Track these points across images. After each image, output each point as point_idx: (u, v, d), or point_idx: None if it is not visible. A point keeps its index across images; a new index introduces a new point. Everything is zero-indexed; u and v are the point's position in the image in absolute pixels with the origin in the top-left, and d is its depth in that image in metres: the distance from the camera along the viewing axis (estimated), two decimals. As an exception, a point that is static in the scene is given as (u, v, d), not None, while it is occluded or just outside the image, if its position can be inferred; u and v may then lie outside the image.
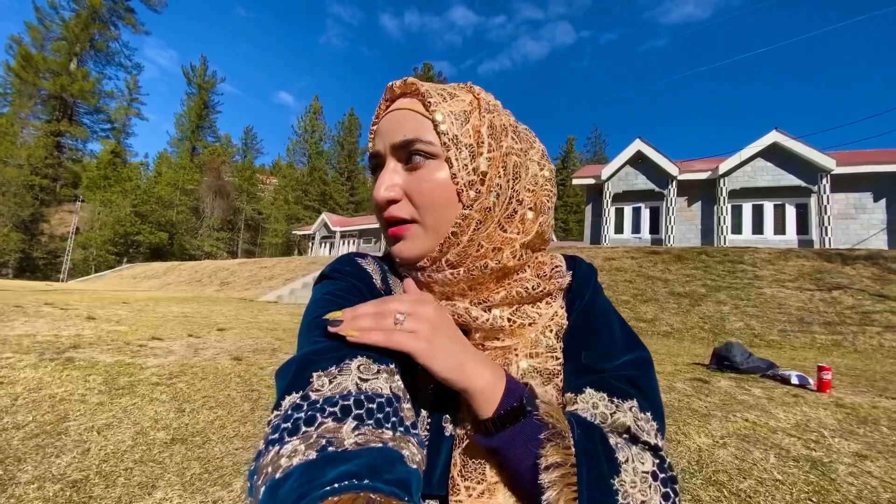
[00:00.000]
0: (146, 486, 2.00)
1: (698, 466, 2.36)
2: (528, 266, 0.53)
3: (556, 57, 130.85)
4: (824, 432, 2.90)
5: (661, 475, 0.41)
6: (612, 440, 0.41)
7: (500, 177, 0.49)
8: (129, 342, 4.91)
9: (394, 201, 0.49)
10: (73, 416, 2.71)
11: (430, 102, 0.49)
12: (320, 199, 52.76)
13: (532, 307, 0.51)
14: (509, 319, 0.50)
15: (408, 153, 0.49)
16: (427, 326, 0.41)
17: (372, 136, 0.55)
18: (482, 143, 0.49)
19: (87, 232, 40.06)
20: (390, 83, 0.53)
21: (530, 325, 0.50)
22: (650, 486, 0.40)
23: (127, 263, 36.43)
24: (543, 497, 0.37)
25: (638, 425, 0.44)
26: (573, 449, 0.38)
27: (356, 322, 0.41)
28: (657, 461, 0.42)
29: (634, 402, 0.45)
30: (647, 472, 0.40)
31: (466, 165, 0.48)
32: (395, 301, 0.42)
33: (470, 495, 0.41)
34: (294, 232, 40.95)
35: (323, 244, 33.20)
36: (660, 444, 0.44)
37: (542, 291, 0.51)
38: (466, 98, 0.52)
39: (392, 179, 0.49)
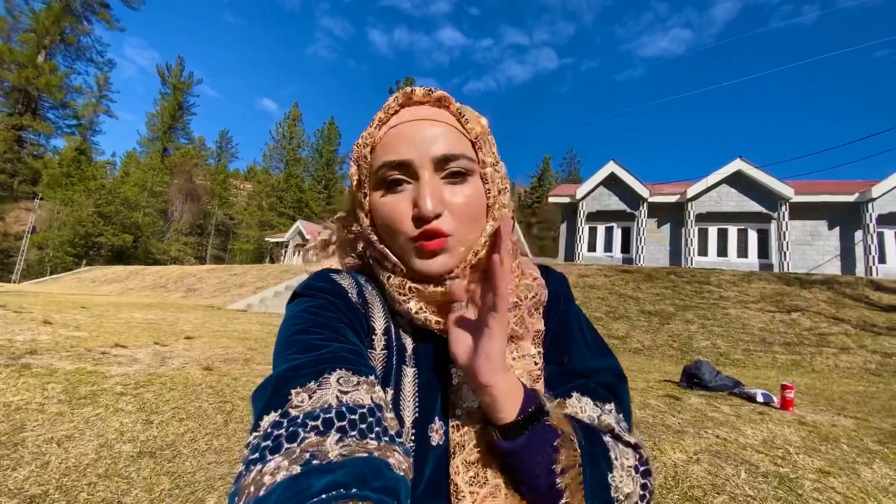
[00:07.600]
0: (111, 502, 1.89)
1: (675, 482, 2.41)
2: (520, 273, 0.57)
3: (538, 80, 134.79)
4: (790, 449, 3.02)
5: (641, 468, 0.47)
6: (605, 439, 0.46)
7: (504, 193, 0.56)
8: (91, 349, 4.65)
9: (439, 215, 0.49)
10: (31, 427, 2.54)
11: (467, 120, 0.52)
12: (295, 206, 51.84)
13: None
14: None
15: (450, 167, 0.50)
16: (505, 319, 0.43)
17: (376, 138, 0.52)
18: (498, 162, 0.55)
19: (44, 231, 37.94)
20: (410, 88, 0.53)
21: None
22: (633, 479, 0.45)
23: (86, 266, 34.61)
24: (562, 501, 0.40)
25: (620, 426, 0.48)
26: (579, 451, 0.42)
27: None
28: (637, 456, 0.47)
29: (613, 406, 0.50)
30: (631, 467, 0.46)
31: (496, 183, 0.53)
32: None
33: (474, 501, 0.43)
34: (267, 239, 39.91)
35: (296, 253, 32.55)
36: (638, 442, 0.49)
37: (536, 299, 0.55)
38: (477, 121, 0.55)
39: (438, 193, 0.49)
